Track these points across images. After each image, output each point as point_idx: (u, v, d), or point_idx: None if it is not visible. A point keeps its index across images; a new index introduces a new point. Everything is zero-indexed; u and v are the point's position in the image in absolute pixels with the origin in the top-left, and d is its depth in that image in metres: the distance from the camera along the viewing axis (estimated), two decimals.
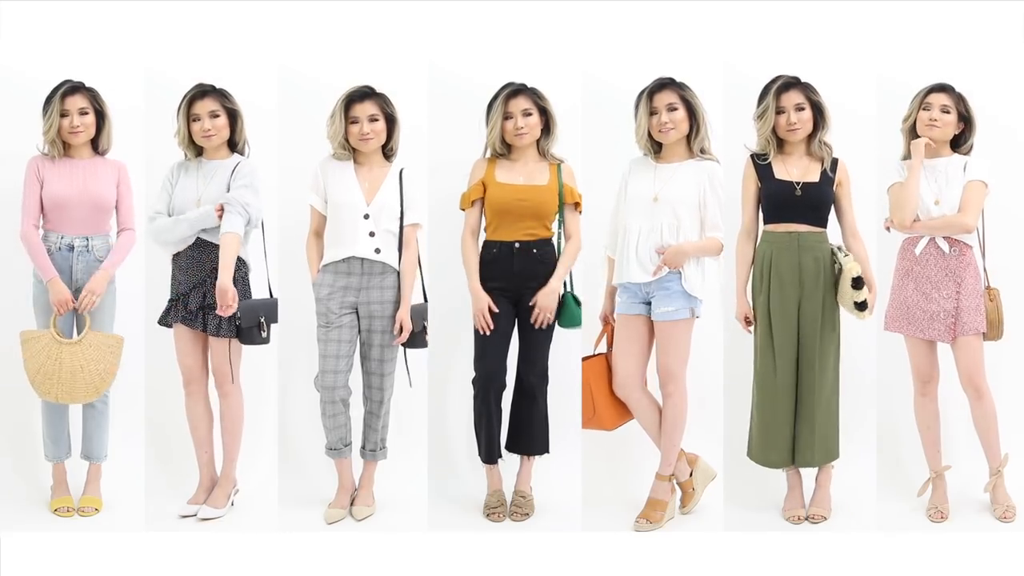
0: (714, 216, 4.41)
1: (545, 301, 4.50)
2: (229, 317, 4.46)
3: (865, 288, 4.37)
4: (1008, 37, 4.73)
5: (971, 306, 4.43)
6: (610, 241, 4.56)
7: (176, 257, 4.56)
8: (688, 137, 4.43)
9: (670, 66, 4.47)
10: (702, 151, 4.44)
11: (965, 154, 4.49)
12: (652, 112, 4.41)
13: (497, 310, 4.50)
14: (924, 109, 4.46)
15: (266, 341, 4.54)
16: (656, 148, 4.48)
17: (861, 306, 4.39)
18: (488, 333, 4.49)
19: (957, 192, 4.42)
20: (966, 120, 4.46)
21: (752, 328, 4.51)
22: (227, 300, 4.38)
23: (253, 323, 4.49)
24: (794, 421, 4.50)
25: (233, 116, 4.55)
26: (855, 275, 4.36)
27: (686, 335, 4.43)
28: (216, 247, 4.47)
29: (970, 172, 4.42)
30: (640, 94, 4.45)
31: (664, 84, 4.41)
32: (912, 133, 4.49)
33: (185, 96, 4.52)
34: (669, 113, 4.39)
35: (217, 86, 4.54)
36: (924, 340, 4.49)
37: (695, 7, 4.73)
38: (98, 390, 4.52)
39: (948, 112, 4.43)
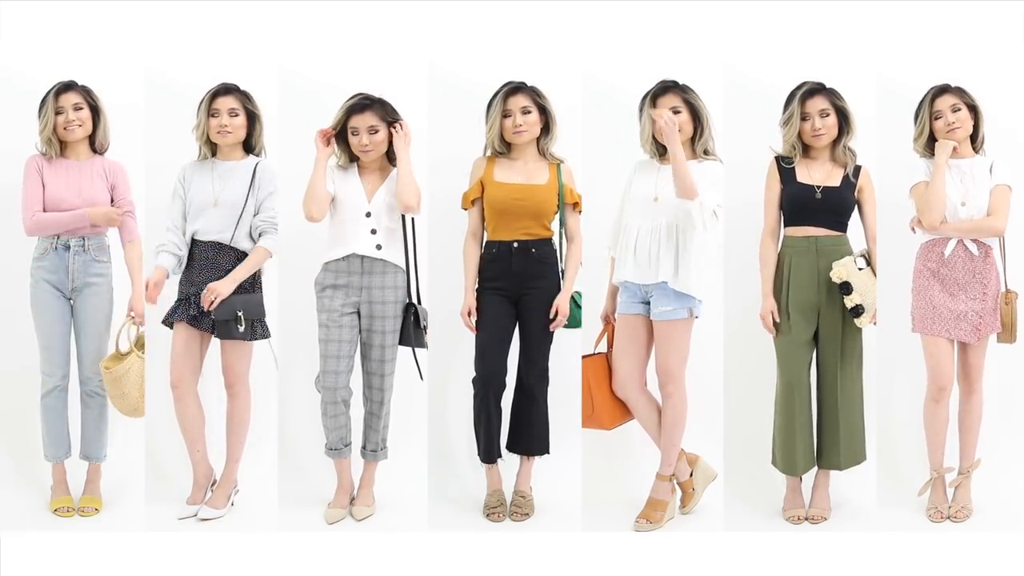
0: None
1: (565, 307, 4.52)
2: (252, 322, 4.51)
3: (856, 295, 4.37)
4: (1008, 37, 4.73)
5: (994, 307, 4.44)
6: (612, 241, 4.56)
7: (190, 258, 4.56)
8: (692, 139, 4.43)
9: (670, 66, 4.47)
10: (705, 152, 4.44)
11: (980, 147, 4.50)
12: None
13: (476, 317, 4.51)
14: (936, 118, 4.46)
15: (244, 336, 4.50)
16: (661, 150, 4.48)
17: (853, 312, 4.39)
18: (474, 333, 4.51)
19: (984, 193, 4.43)
20: (974, 110, 4.47)
21: (774, 329, 4.49)
22: (208, 298, 4.43)
23: (229, 316, 4.46)
24: (815, 424, 4.52)
25: (252, 118, 4.56)
26: (839, 281, 4.37)
27: (684, 335, 4.42)
28: (231, 250, 4.51)
29: (996, 175, 4.44)
30: (644, 98, 4.45)
31: (667, 88, 4.41)
32: (931, 144, 4.48)
33: (209, 92, 4.52)
34: (672, 116, 4.38)
35: (242, 87, 4.54)
36: (947, 342, 4.47)
37: (695, 8, 4.73)
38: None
39: (959, 110, 4.44)
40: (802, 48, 4.72)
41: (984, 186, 4.45)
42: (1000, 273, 4.48)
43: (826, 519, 4.50)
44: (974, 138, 4.50)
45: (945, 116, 4.45)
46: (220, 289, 4.43)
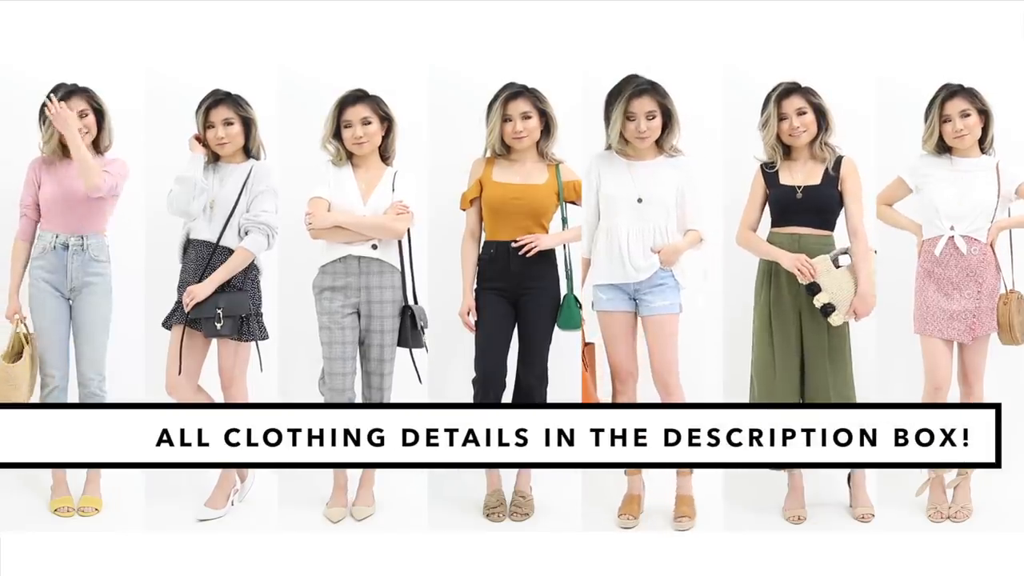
0: (692, 212, 4.42)
1: (545, 245, 4.50)
2: (241, 320, 4.49)
3: (825, 294, 4.35)
4: (1008, 37, 4.73)
5: (990, 307, 4.43)
6: (587, 241, 4.55)
7: (185, 259, 4.56)
8: (660, 139, 4.43)
9: (670, 66, 4.47)
10: (673, 148, 4.44)
11: (988, 148, 4.48)
12: (629, 117, 4.38)
13: (476, 317, 4.52)
14: (945, 121, 4.44)
15: (228, 333, 4.46)
16: (625, 145, 4.45)
17: (822, 312, 4.38)
18: (473, 332, 4.52)
19: (982, 193, 4.41)
20: (985, 114, 4.45)
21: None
22: (186, 300, 4.43)
23: (209, 313, 4.43)
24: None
25: (247, 123, 4.55)
26: (805, 282, 4.36)
27: (676, 328, 4.45)
28: (222, 249, 4.49)
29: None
30: (615, 94, 4.39)
31: (644, 90, 4.37)
32: (940, 146, 4.47)
33: (201, 104, 4.51)
34: (648, 121, 4.37)
35: (232, 92, 4.53)
36: (943, 342, 4.46)
37: (695, 8, 4.73)
38: None
39: (969, 115, 4.42)
40: (802, 49, 4.72)
41: (983, 186, 4.43)
42: (1001, 272, 4.47)
43: (874, 516, 4.48)
44: (982, 139, 4.48)
45: (954, 122, 4.42)
46: (196, 291, 4.43)
